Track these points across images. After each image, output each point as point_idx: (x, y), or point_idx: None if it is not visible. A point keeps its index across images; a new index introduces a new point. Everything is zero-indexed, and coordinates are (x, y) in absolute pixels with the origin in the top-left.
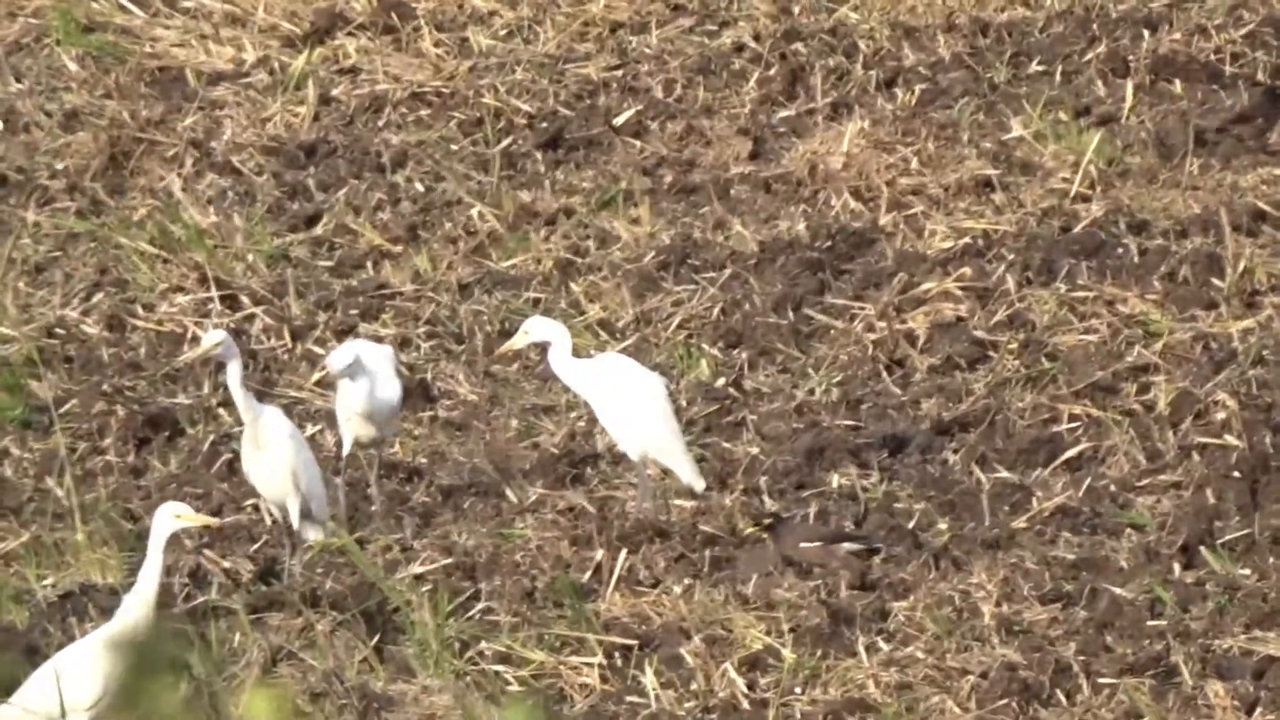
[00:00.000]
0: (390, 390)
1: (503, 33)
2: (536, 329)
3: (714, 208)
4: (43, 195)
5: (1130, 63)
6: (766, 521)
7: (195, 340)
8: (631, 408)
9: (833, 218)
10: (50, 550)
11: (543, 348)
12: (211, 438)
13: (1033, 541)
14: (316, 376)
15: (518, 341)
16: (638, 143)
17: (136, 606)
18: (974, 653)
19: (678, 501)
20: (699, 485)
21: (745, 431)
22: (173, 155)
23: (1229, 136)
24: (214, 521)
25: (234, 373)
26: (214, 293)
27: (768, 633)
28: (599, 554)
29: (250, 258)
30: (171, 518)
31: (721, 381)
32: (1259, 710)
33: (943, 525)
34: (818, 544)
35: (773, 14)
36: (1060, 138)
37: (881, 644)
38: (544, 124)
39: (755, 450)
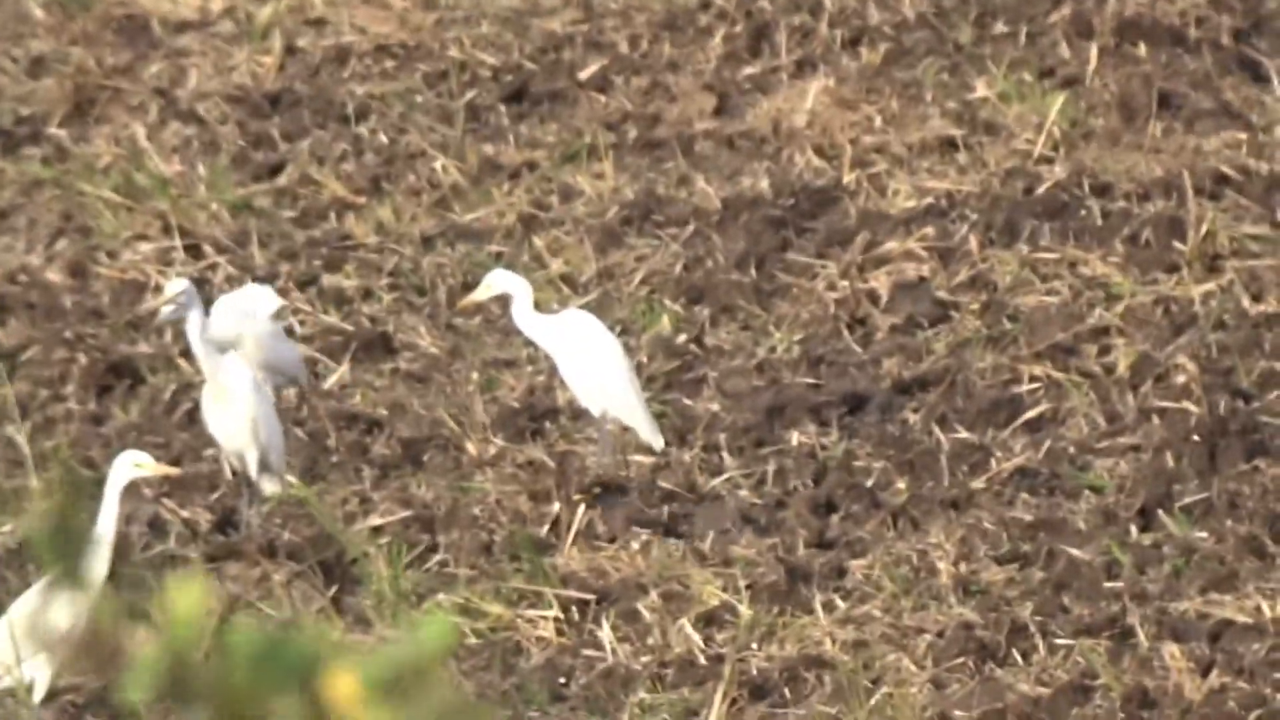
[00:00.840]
0: (279, 352)
1: None
2: (499, 282)
3: (678, 163)
4: (7, 141)
5: (1095, 25)
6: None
7: (158, 289)
8: (592, 364)
9: (796, 175)
10: (9, 498)
11: (505, 301)
12: (173, 387)
13: (991, 502)
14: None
15: (480, 294)
16: (602, 97)
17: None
18: (931, 612)
19: (637, 457)
20: (658, 443)
21: (705, 388)
22: (138, 103)
23: (1191, 99)
24: (173, 471)
25: (194, 323)
26: (177, 241)
27: (724, 589)
28: (557, 508)
29: (214, 207)
30: (130, 466)
31: (683, 338)
32: (1214, 672)
33: (901, 484)
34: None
35: None
36: (1024, 99)
37: (839, 601)
38: (508, 77)
39: (715, 407)
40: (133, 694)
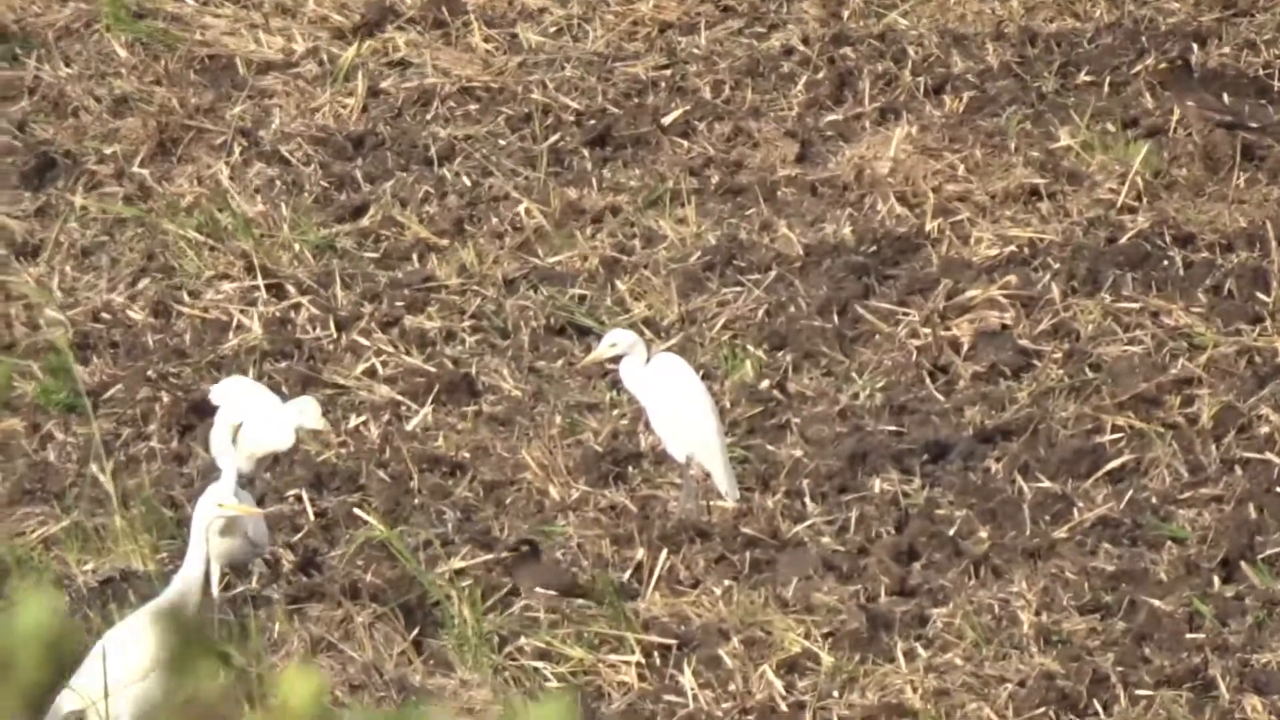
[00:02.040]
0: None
1: (552, 30)
2: (624, 341)
3: (760, 209)
4: (90, 180)
5: (1179, 76)
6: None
7: (240, 328)
8: (680, 407)
9: (878, 222)
10: (91, 536)
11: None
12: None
13: (1073, 552)
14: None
15: (601, 353)
16: (685, 142)
17: (183, 591)
18: (1012, 661)
19: (719, 503)
20: (733, 495)
21: (788, 434)
22: (221, 143)
23: (1275, 150)
24: (256, 511)
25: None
26: (260, 281)
27: (806, 636)
28: (640, 553)
29: (296, 247)
30: (214, 505)
31: (765, 384)
32: None
33: (983, 533)
34: None
35: (822, 18)
36: (1107, 148)
37: (920, 650)
38: (591, 121)
39: (798, 453)
40: None
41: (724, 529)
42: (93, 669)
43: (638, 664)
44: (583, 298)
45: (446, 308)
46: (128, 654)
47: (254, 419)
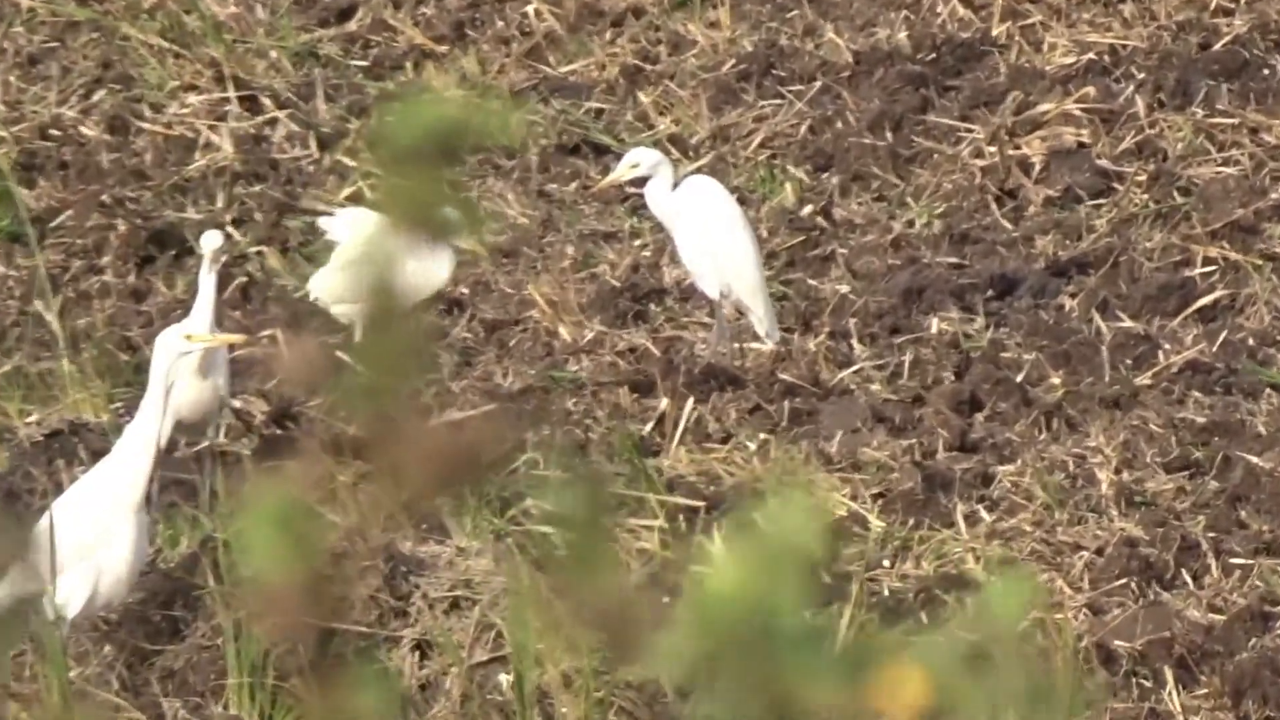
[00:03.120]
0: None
1: None
2: (647, 161)
3: (804, 11)
4: None
5: None
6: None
7: (209, 147)
8: (715, 238)
9: (939, 26)
10: (35, 383)
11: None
12: (224, 258)
13: (1158, 401)
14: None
15: (623, 175)
16: None
17: (136, 449)
18: (1089, 526)
19: (755, 345)
20: (774, 336)
21: (834, 267)
22: None
23: None
24: (235, 339)
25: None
26: (231, 93)
27: (853, 497)
28: (663, 403)
29: (274, 54)
30: (180, 339)
31: (808, 210)
32: None
33: (1056, 380)
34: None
35: None
36: None
37: (983, 513)
38: None
39: (844, 289)
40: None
41: (759, 375)
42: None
43: (660, 529)
44: (599, 112)
45: None
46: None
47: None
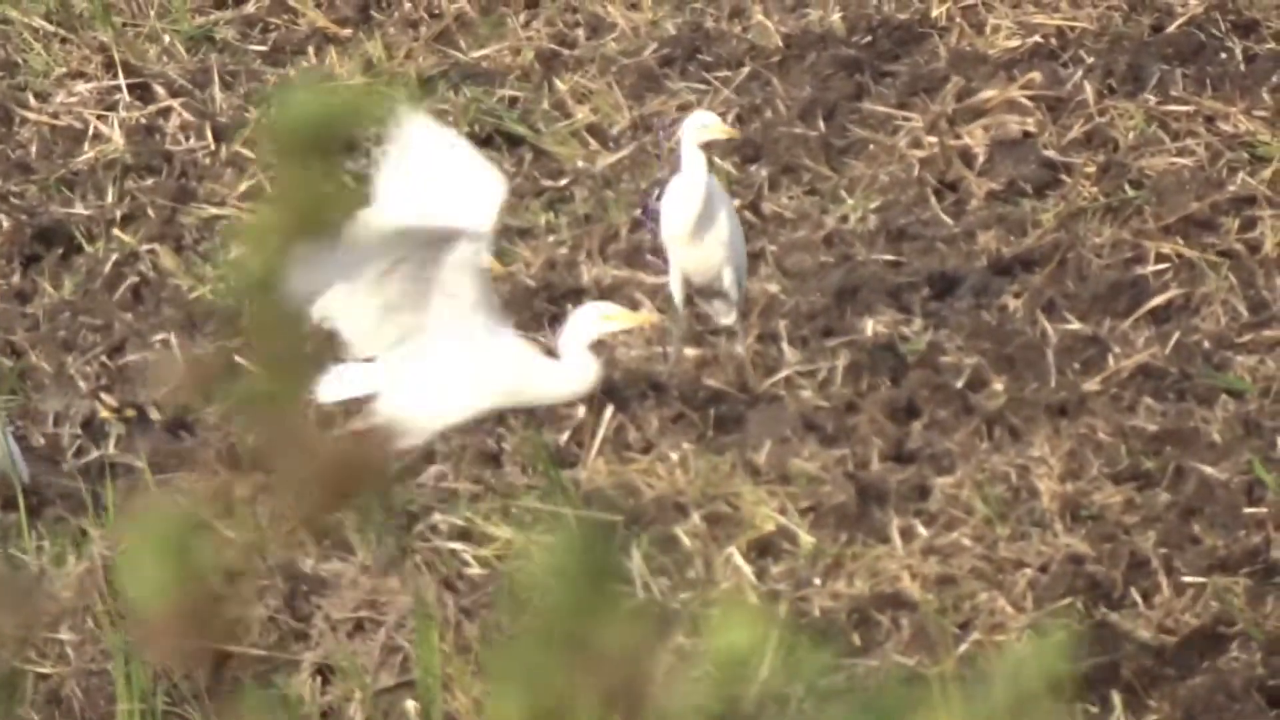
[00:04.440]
0: None
1: None
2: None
3: None
4: None
5: None
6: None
7: (98, 138)
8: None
9: (874, 7)
10: None
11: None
12: (115, 256)
13: (1107, 408)
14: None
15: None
16: None
17: None
18: (1032, 541)
19: (687, 350)
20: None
21: (763, 265)
22: None
23: None
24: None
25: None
26: (121, 80)
27: (781, 511)
28: (580, 411)
29: (166, 39)
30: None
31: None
32: None
33: (998, 385)
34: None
35: None
36: None
37: (920, 528)
38: None
39: (774, 288)
40: None
41: (683, 381)
42: None
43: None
44: (514, 100)
45: None
46: None
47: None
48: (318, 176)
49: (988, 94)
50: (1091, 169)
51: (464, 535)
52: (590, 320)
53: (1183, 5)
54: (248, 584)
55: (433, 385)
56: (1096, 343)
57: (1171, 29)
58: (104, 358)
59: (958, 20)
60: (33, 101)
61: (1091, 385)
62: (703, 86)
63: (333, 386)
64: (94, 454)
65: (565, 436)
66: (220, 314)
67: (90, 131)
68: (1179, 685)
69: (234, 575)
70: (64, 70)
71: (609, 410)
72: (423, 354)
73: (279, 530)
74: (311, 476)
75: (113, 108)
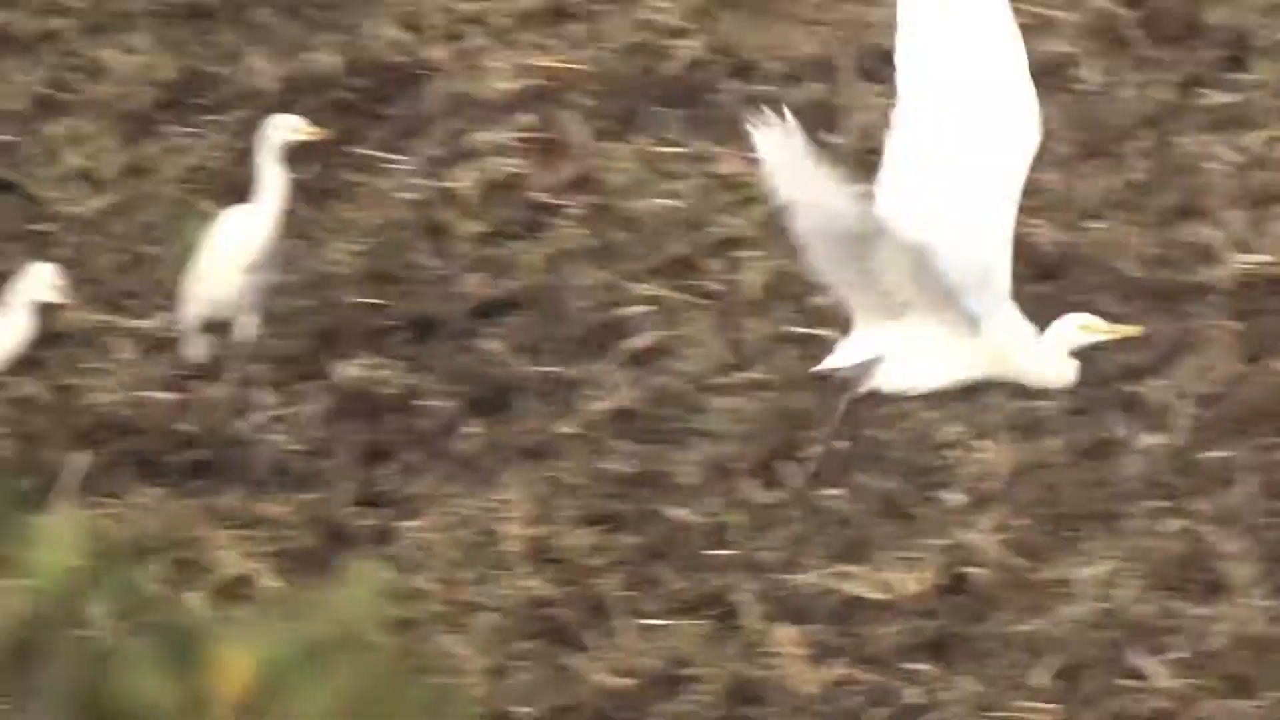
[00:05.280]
0: None
1: None
2: None
3: (231, 36)
4: None
5: None
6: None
7: None
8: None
9: (377, 50)
10: None
11: None
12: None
13: (580, 450)
14: None
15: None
16: None
17: None
18: (495, 585)
19: (150, 393)
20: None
21: (240, 311)
22: None
23: None
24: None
25: None
26: None
27: (248, 556)
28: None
29: None
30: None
31: None
32: (836, 661)
33: (475, 428)
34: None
35: None
36: None
37: (385, 572)
38: None
39: (254, 332)
40: None
41: (155, 424)
42: None
43: (37, 591)
44: (8, 145)
45: None
46: None
47: None
48: None
49: (480, 136)
50: (580, 211)
51: None
52: (1070, 328)
53: (682, 48)
54: None
55: (931, 351)
56: (574, 385)
57: (668, 71)
58: None
59: (454, 63)
60: None
61: (566, 428)
62: (196, 130)
63: (840, 355)
64: None
65: (35, 480)
66: None
67: None
68: None
69: None
70: None
71: (83, 455)
72: (925, 320)
73: None
74: None
75: None
